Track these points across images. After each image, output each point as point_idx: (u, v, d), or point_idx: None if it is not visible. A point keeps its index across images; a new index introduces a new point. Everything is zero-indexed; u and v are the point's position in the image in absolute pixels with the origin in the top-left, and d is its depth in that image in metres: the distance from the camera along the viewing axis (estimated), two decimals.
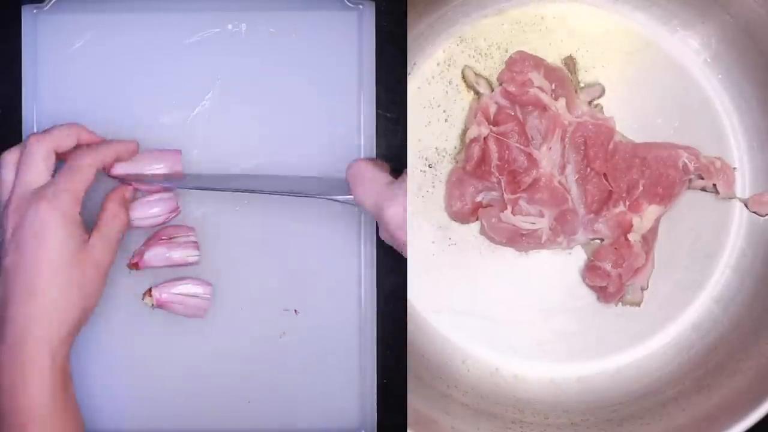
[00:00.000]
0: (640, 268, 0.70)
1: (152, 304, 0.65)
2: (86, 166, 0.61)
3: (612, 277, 0.70)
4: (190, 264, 0.65)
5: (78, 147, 0.62)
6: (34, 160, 0.60)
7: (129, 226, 0.64)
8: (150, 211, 0.64)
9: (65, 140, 0.62)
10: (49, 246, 0.58)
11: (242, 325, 0.66)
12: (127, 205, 0.64)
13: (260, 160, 0.67)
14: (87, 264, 0.59)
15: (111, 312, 0.66)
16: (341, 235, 0.67)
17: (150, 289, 0.65)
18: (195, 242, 0.65)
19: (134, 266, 0.65)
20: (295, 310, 0.67)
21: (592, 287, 0.71)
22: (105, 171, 0.63)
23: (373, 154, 0.67)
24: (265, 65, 0.67)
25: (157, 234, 0.65)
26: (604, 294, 0.71)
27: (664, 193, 0.70)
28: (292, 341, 0.67)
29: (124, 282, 0.66)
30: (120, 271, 0.65)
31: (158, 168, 0.65)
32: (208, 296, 0.65)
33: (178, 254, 0.65)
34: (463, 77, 0.72)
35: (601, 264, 0.70)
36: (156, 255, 0.64)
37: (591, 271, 0.70)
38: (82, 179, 0.60)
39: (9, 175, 0.61)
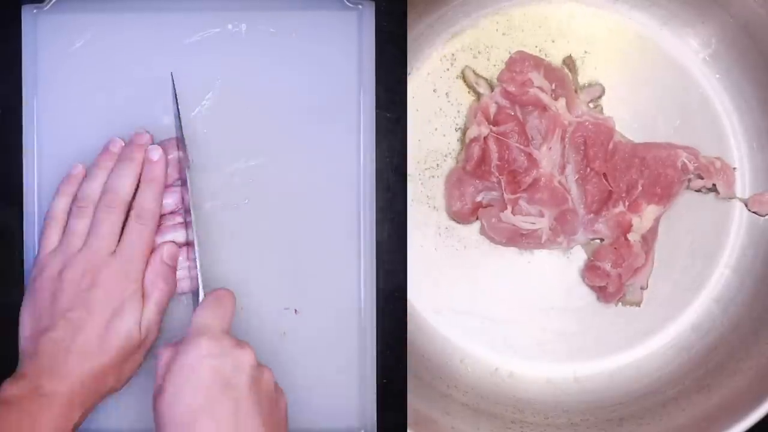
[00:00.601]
0: (639, 267, 0.70)
1: None
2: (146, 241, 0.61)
3: (612, 277, 0.70)
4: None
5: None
6: (106, 228, 0.60)
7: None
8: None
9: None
10: (120, 324, 0.58)
11: (242, 324, 0.66)
12: (173, 263, 0.63)
13: (260, 160, 0.67)
14: (145, 345, 0.60)
15: None
16: (341, 235, 0.67)
17: None
18: (181, 223, 0.65)
19: None
20: (295, 310, 0.67)
21: (591, 287, 0.71)
22: None
23: (374, 154, 0.67)
24: (265, 65, 0.67)
25: None
26: (603, 294, 0.71)
27: (663, 193, 0.70)
28: (292, 341, 0.67)
29: None
30: None
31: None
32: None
33: (169, 238, 0.64)
34: (463, 77, 0.72)
35: (601, 264, 0.70)
36: None
37: (590, 270, 0.70)
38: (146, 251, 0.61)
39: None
